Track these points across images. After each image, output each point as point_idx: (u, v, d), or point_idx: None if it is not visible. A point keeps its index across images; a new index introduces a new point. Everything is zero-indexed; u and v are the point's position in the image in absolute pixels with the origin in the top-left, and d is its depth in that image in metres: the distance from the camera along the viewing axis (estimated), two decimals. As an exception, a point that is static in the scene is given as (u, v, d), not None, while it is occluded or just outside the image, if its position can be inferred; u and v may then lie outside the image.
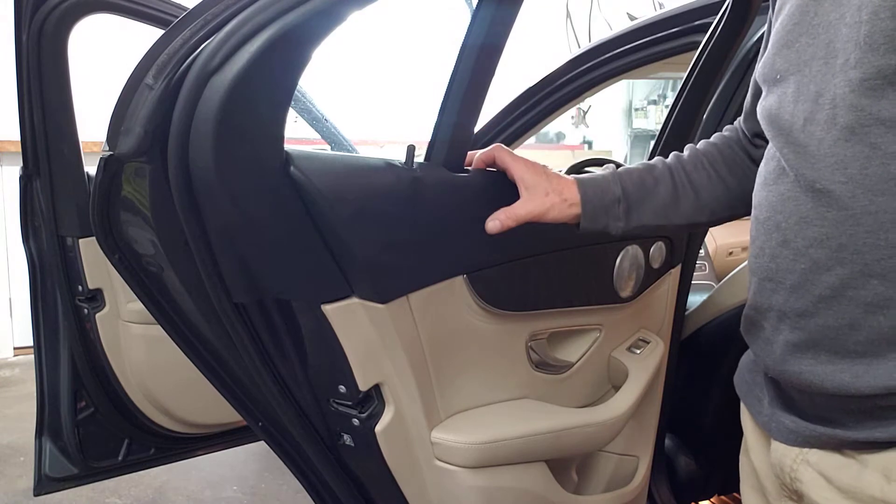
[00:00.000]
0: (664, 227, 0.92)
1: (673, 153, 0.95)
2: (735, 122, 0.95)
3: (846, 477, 0.65)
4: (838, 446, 0.67)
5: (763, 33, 0.84)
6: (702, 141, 0.95)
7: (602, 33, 2.16)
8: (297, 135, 2.20)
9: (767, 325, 0.71)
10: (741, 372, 0.84)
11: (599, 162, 2.44)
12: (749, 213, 0.94)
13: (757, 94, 0.85)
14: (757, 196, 0.72)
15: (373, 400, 0.95)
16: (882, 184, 0.58)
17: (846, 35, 0.60)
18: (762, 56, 0.84)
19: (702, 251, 2.11)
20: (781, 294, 0.67)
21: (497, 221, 0.89)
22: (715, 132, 1.38)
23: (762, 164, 0.73)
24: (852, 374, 0.62)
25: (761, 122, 0.72)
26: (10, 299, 3.53)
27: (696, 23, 1.56)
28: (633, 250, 1.27)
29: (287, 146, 0.82)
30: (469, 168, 0.99)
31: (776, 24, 0.71)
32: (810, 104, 0.63)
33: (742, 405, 0.83)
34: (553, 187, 0.89)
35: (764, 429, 0.76)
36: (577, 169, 2.23)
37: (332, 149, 2.11)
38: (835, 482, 0.66)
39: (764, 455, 0.78)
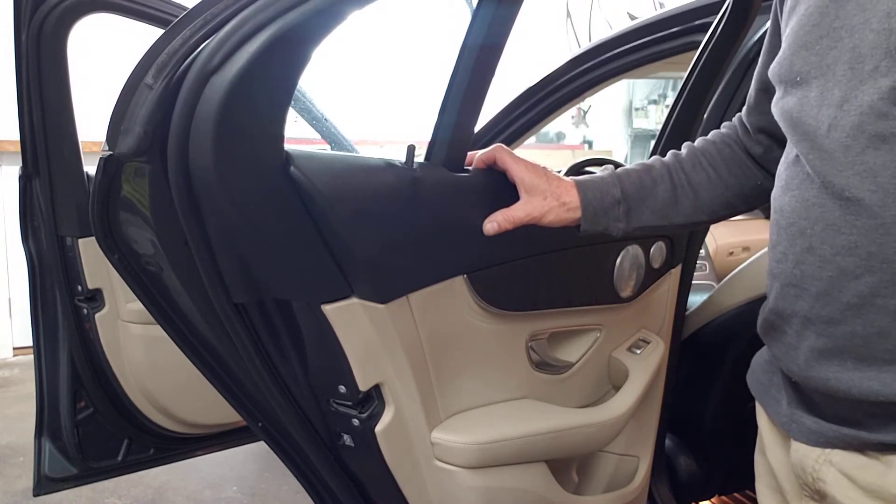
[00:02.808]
0: (664, 227, 0.92)
1: (671, 152, 0.94)
2: (734, 118, 0.94)
3: (870, 477, 0.65)
4: (861, 447, 0.67)
5: (764, 32, 0.84)
6: (700, 139, 0.95)
7: (602, 33, 2.16)
8: (297, 135, 2.20)
9: (790, 331, 0.70)
10: (755, 372, 0.84)
11: (600, 162, 2.43)
12: (748, 211, 0.93)
13: (763, 89, 0.85)
14: (778, 200, 0.71)
15: (373, 400, 0.95)
16: None
17: (873, 41, 0.60)
18: (764, 54, 0.84)
19: (702, 251, 2.11)
20: (806, 300, 0.67)
21: (494, 223, 0.90)
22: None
23: (782, 168, 0.72)
24: (881, 382, 0.62)
25: (781, 124, 0.71)
26: (9, 299, 3.53)
27: (696, 23, 1.56)
28: (634, 250, 1.27)
29: (287, 146, 0.82)
30: (469, 168, 0.99)
31: (791, 24, 0.70)
32: (834, 109, 0.63)
33: (757, 405, 0.83)
34: (552, 190, 0.89)
35: (783, 429, 0.76)
36: (577, 169, 2.23)
37: (332, 149, 2.11)
38: (859, 482, 0.66)
39: (782, 455, 0.77)
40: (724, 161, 0.91)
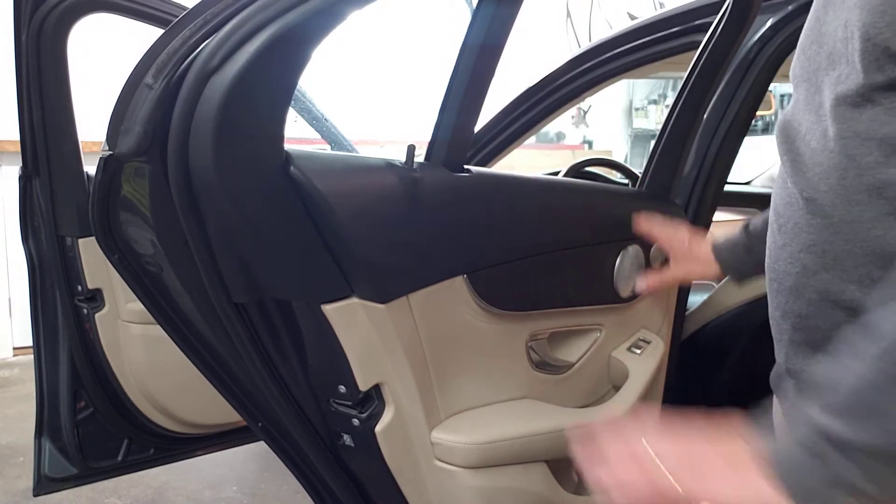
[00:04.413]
0: None
1: None
2: None
3: None
4: None
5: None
6: None
7: (602, 33, 2.16)
8: (297, 135, 2.20)
9: (775, 324, 0.74)
10: (778, 366, 0.87)
11: (600, 162, 2.43)
12: None
13: None
14: (772, 199, 0.75)
15: (373, 400, 0.95)
16: (857, 194, 0.60)
17: (837, 48, 0.62)
18: None
19: (702, 251, 2.11)
20: (783, 295, 0.70)
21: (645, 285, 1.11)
22: (715, 132, 1.38)
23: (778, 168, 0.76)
24: None
25: (776, 126, 0.74)
26: (9, 299, 3.53)
27: (696, 23, 1.55)
28: (634, 250, 1.27)
29: (287, 146, 0.82)
30: (469, 168, 0.99)
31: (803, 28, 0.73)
32: (813, 114, 0.65)
33: (774, 399, 0.85)
34: (693, 251, 1.13)
35: (787, 418, 0.78)
36: (577, 168, 2.22)
37: (332, 149, 2.11)
38: None
39: None
40: None
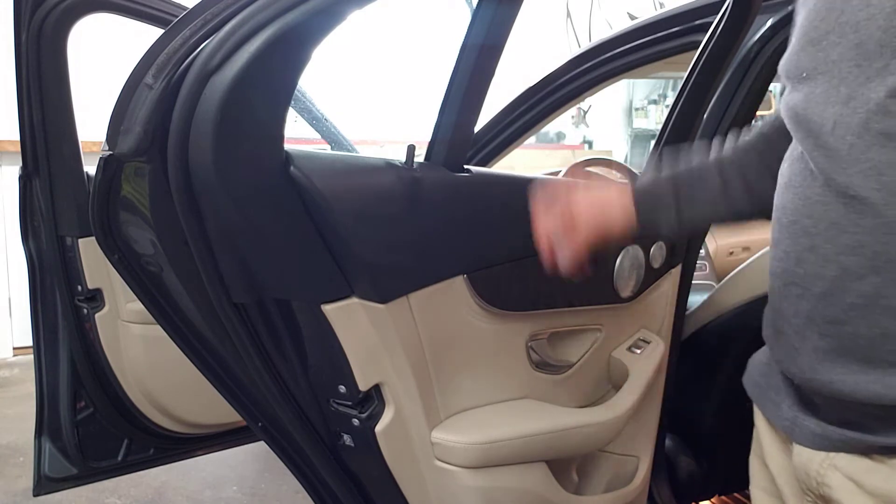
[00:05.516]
0: (714, 217, 0.89)
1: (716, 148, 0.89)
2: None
3: (876, 481, 0.64)
4: (866, 451, 0.65)
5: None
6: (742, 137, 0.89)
7: (602, 33, 2.16)
8: (297, 135, 2.20)
9: (793, 332, 0.69)
10: (751, 374, 0.82)
11: (600, 162, 2.43)
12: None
13: None
14: (781, 198, 0.70)
15: (373, 400, 0.95)
16: None
17: (880, 38, 0.59)
18: None
19: (702, 251, 2.11)
20: (809, 300, 0.66)
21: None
22: (715, 132, 1.37)
23: (785, 165, 0.71)
24: (884, 385, 0.61)
25: (786, 121, 0.70)
26: (9, 299, 3.53)
27: (696, 23, 1.55)
28: (634, 250, 1.27)
29: (287, 146, 0.82)
30: (469, 168, 0.99)
31: (800, 19, 0.69)
32: (840, 107, 0.62)
33: (755, 407, 0.81)
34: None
35: (785, 432, 0.74)
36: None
37: (332, 149, 2.11)
38: (866, 486, 0.65)
39: (781, 458, 0.76)
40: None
